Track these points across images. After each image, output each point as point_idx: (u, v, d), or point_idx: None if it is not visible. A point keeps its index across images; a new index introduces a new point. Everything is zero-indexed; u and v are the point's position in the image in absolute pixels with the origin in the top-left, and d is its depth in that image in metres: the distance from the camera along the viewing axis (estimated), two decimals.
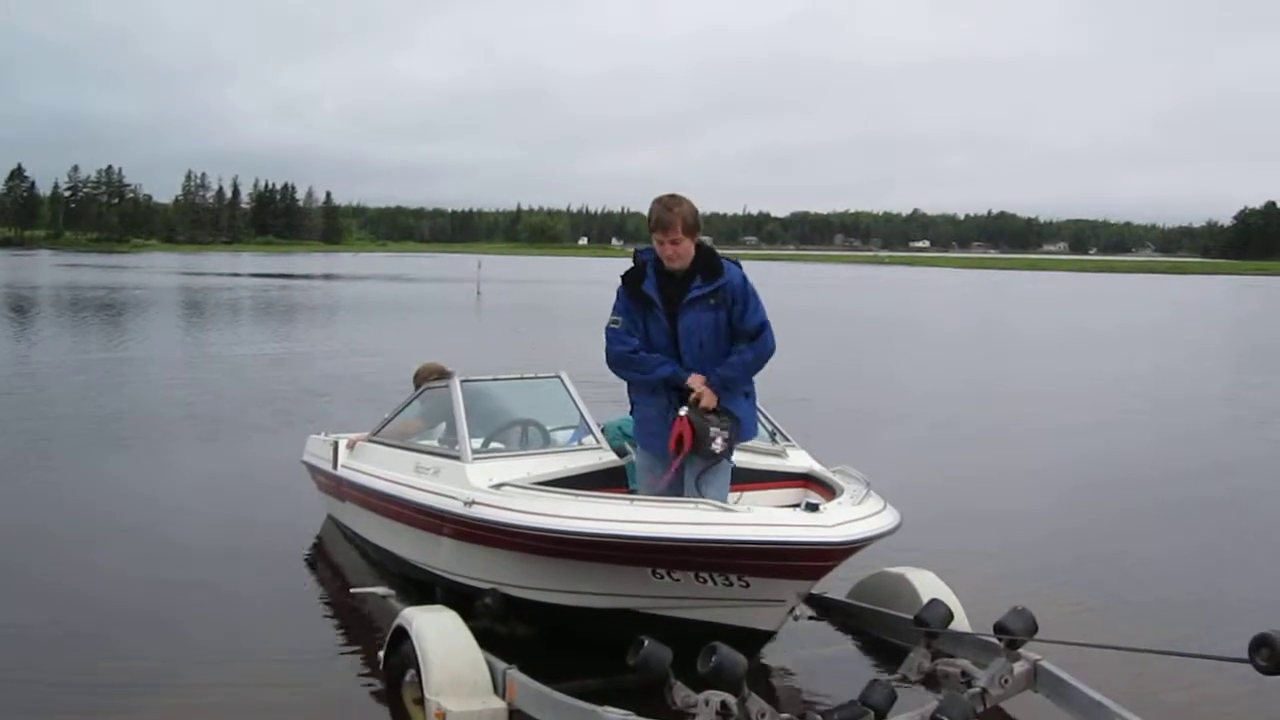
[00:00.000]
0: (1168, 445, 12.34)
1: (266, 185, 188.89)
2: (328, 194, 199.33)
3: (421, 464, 5.76)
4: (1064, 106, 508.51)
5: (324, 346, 22.31)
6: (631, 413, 5.23)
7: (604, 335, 5.05)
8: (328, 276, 64.73)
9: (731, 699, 3.86)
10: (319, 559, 7.31)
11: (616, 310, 5.04)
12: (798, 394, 12.19)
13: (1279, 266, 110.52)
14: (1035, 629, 4.31)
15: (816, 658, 5.37)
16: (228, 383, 15.87)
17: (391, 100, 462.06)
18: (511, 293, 46.45)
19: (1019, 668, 4.31)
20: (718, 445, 4.74)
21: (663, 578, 4.48)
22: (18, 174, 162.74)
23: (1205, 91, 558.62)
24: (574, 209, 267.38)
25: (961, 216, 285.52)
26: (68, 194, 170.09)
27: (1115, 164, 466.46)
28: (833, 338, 24.84)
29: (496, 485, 5.01)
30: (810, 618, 5.60)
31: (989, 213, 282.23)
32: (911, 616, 4.70)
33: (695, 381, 4.84)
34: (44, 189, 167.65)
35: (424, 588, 5.77)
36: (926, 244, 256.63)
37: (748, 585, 4.38)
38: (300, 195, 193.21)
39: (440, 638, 4.53)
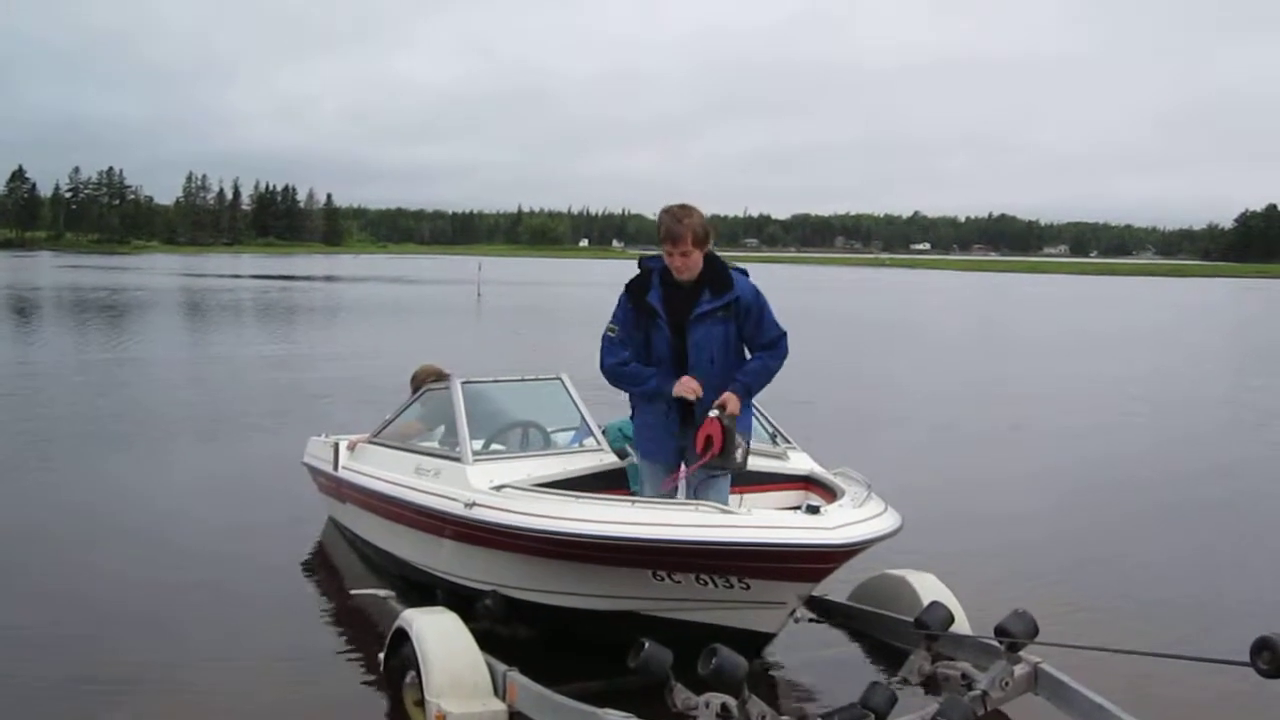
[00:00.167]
0: (1167, 447, 12.34)
1: (267, 187, 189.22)
2: (328, 196, 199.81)
3: (422, 465, 5.76)
4: (1064, 108, 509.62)
5: (325, 348, 22.31)
6: (632, 417, 5.24)
7: (599, 343, 5.05)
8: (328, 278, 64.75)
9: (732, 701, 3.86)
10: (319, 560, 7.30)
11: (615, 318, 5.03)
12: (799, 396, 12.18)
13: None
14: (1036, 632, 4.31)
15: (817, 660, 5.36)
16: (228, 384, 15.88)
17: (392, 101, 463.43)
18: (512, 295, 46.44)
19: (1020, 670, 4.31)
20: (739, 455, 4.76)
21: (663, 580, 4.48)
22: (19, 175, 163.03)
23: (1205, 92, 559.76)
24: (575, 210, 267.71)
25: (962, 219, 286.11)
26: (69, 195, 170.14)
27: (1116, 166, 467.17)
28: (834, 340, 24.83)
29: (497, 487, 5.01)
30: (811, 620, 5.61)
31: (990, 215, 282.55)
32: (912, 619, 4.70)
33: (685, 387, 4.80)
34: (45, 190, 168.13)
35: (424, 589, 5.77)
36: (927, 246, 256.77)
37: (748, 587, 4.38)
38: (301, 197, 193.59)
39: (441, 639, 4.53)
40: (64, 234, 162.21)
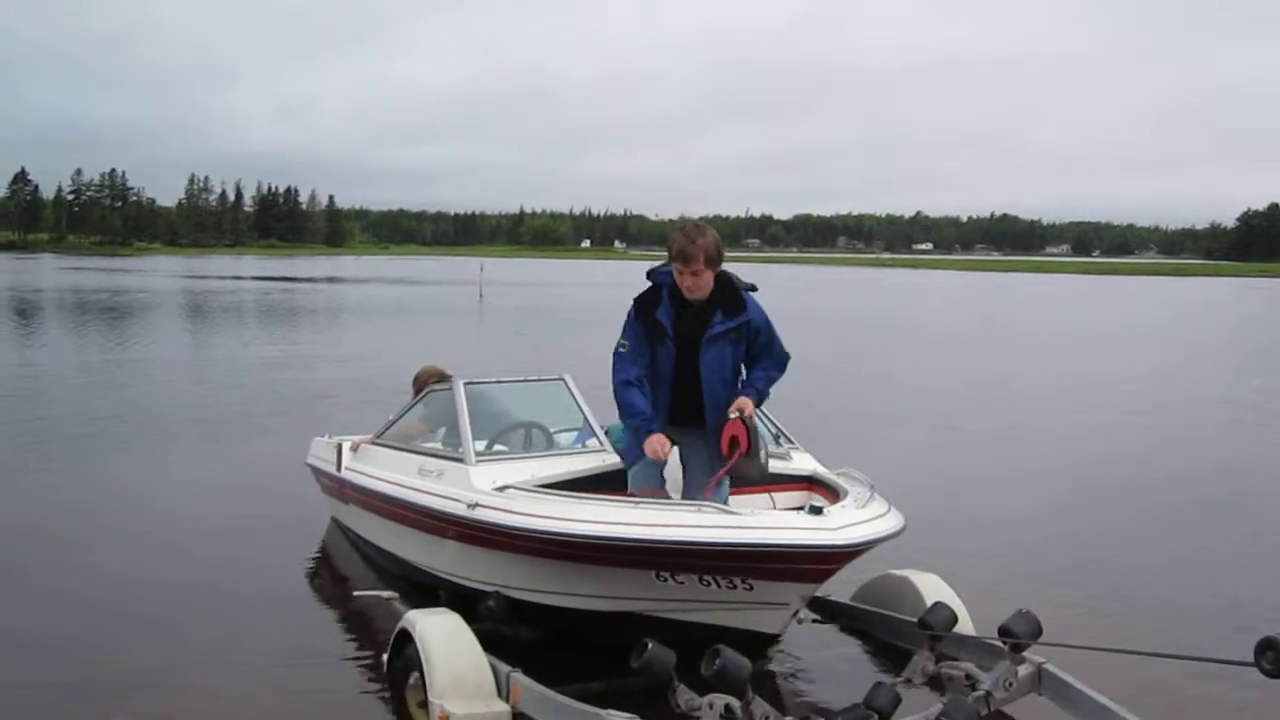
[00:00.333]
0: (1169, 447, 12.32)
1: (269, 188, 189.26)
2: (330, 197, 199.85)
3: (425, 466, 5.76)
4: (1065, 107, 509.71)
5: (327, 349, 22.32)
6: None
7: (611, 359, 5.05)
8: (331, 279, 64.79)
9: (735, 702, 3.86)
10: (322, 561, 7.30)
11: (625, 334, 5.01)
12: (801, 396, 12.16)
13: None
14: (1039, 632, 4.31)
15: (820, 661, 5.36)
16: (230, 385, 15.87)
17: (392, 102, 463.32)
18: (514, 295, 46.40)
19: (1023, 671, 4.31)
20: (762, 457, 4.78)
21: (666, 580, 4.48)
22: (21, 177, 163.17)
23: (1206, 92, 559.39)
24: (576, 211, 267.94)
25: (964, 219, 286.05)
26: (71, 197, 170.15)
27: (1117, 166, 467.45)
28: (835, 340, 24.83)
29: (500, 488, 5.01)
30: (814, 621, 5.59)
31: (991, 215, 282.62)
32: (916, 619, 4.70)
33: (652, 449, 4.75)
34: (47, 192, 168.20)
35: (428, 590, 5.76)
36: (929, 246, 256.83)
37: (751, 588, 4.37)
38: (303, 198, 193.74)
39: (444, 640, 4.52)
40: (66, 236, 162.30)
